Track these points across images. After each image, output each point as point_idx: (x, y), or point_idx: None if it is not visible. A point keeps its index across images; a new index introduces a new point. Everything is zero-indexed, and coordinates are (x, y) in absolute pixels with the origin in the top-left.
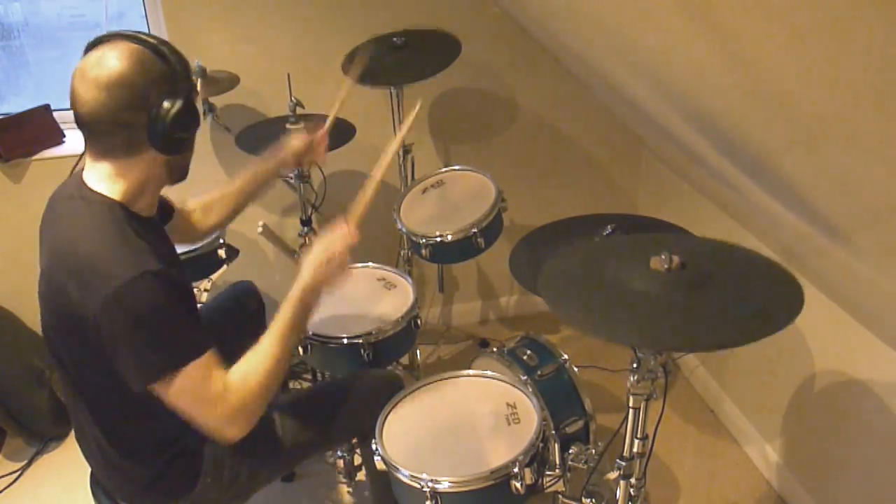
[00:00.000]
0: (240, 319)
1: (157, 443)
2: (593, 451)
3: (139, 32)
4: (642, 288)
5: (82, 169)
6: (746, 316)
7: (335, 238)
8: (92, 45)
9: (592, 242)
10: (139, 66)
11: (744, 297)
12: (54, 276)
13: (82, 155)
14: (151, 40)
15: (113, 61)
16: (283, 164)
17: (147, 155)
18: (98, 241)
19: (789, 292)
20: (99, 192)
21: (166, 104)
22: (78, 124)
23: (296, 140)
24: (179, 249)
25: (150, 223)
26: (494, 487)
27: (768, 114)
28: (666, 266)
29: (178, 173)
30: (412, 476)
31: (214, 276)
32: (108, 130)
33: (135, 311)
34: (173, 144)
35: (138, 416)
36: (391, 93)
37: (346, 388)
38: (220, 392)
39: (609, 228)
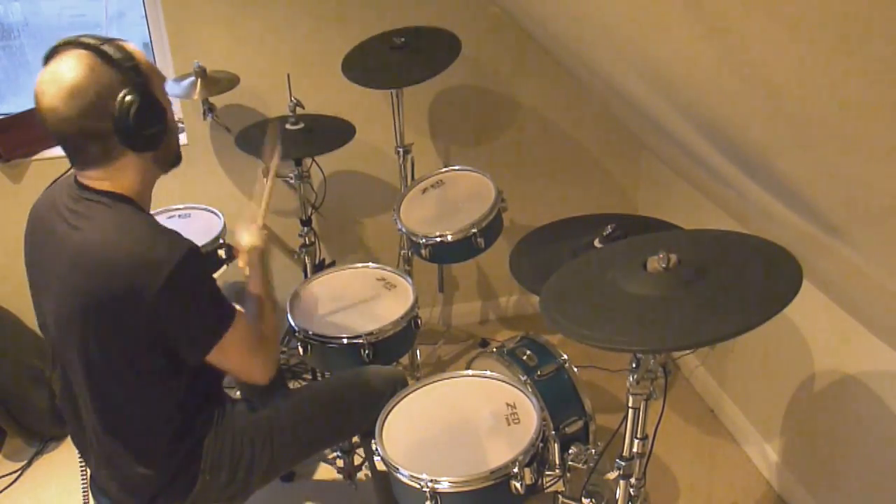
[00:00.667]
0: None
1: (162, 443)
2: (593, 451)
3: (84, 36)
4: (643, 292)
5: (70, 178)
6: (750, 300)
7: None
8: (47, 57)
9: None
10: (88, 72)
11: (744, 282)
12: (89, 280)
13: (70, 168)
14: (94, 42)
15: (64, 73)
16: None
17: (128, 157)
18: (137, 233)
19: (787, 268)
20: (105, 190)
21: (125, 105)
22: (55, 139)
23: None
24: None
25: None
26: (494, 487)
27: (767, 113)
28: (664, 265)
29: (169, 161)
30: (412, 476)
31: (215, 276)
32: (80, 143)
33: (191, 286)
34: (148, 141)
35: (148, 416)
36: (391, 93)
37: (348, 386)
38: (260, 337)
39: (609, 228)
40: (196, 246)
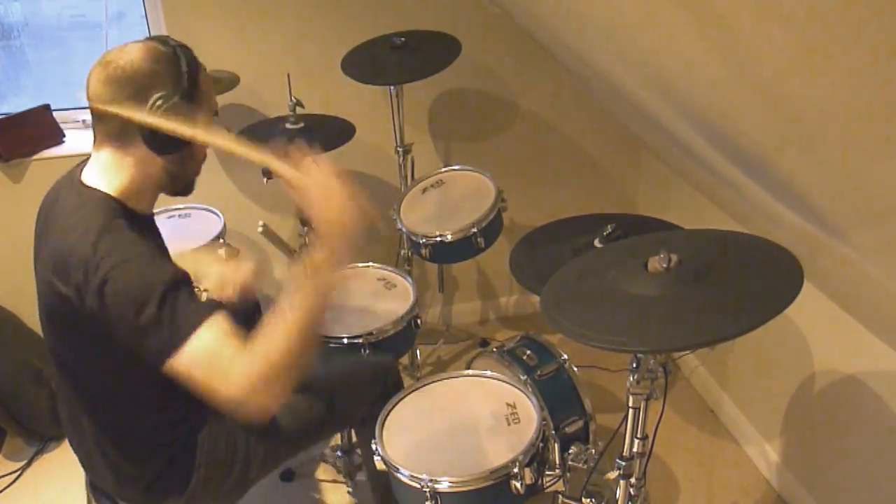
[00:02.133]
0: (235, 320)
1: (156, 439)
2: (593, 450)
3: (170, 38)
4: (643, 292)
5: (76, 171)
6: (750, 300)
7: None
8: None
9: (587, 254)
10: (150, 58)
11: (744, 282)
12: (51, 274)
13: (86, 160)
14: (174, 42)
15: (130, 51)
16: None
17: (140, 151)
18: (89, 231)
19: (788, 268)
20: (94, 187)
21: (161, 98)
22: (89, 101)
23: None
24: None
25: (146, 220)
26: (494, 487)
27: (767, 113)
28: (664, 265)
29: (178, 184)
30: (412, 476)
31: None
32: (104, 113)
33: (131, 289)
34: (161, 141)
35: (138, 413)
36: (391, 92)
37: (339, 377)
38: (238, 358)
39: (609, 228)
40: (149, 254)
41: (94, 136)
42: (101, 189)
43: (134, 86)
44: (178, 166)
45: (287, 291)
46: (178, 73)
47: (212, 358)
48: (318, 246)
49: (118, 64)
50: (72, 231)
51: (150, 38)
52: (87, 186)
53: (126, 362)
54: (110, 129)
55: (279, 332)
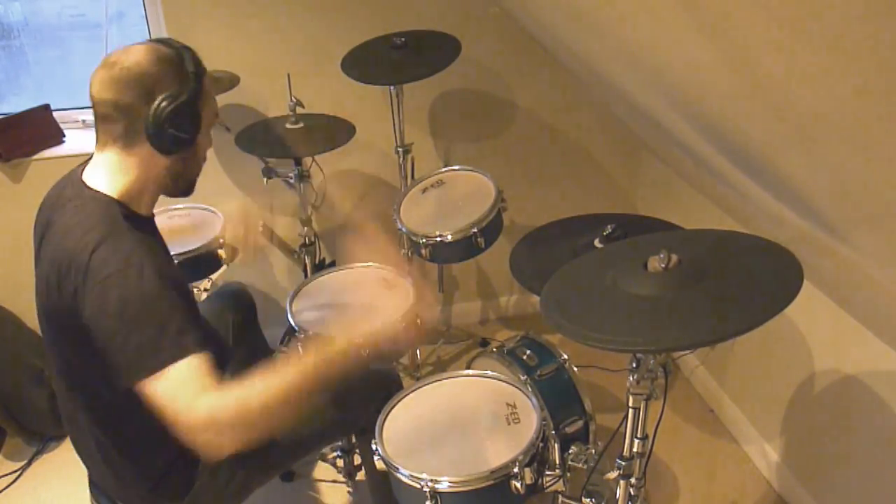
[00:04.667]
0: (230, 320)
1: (158, 442)
2: (593, 450)
3: (172, 39)
4: (643, 292)
5: (78, 171)
6: (750, 300)
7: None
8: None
9: (587, 254)
10: (156, 59)
11: (744, 282)
12: (50, 276)
13: (88, 160)
14: (178, 44)
15: (135, 52)
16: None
17: (144, 151)
18: (88, 235)
19: (787, 268)
20: (96, 189)
21: (167, 99)
22: (93, 104)
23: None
24: (180, 249)
25: (148, 222)
26: (494, 487)
27: (767, 113)
28: (664, 265)
29: (181, 184)
30: (412, 476)
31: (214, 276)
32: (109, 114)
33: (123, 302)
34: (166, 141)
35: (139, 415)
36: (391, 92)
37: (343, 384)
38: (207, 395)
39: (609, 228)
40: (151, 263)
41: (98, 138)
42: (104, 191)
43: (140, 86)
44: (181, 166)
45: (289, 354)
46: (183, 74)
47: (183, 388)
48: (345, 338)
49: (124, 65)
50: (72, 234)
51: (154, 40)
52: (90, 188)
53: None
54: (116, 130)
55: (266, 384)
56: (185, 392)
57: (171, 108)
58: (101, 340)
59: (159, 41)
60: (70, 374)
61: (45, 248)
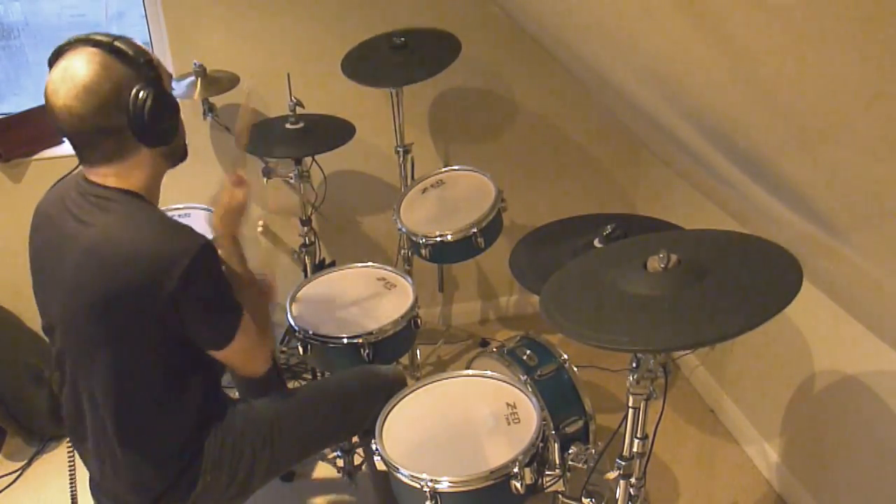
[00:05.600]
0: None
1: (171, 443)
2: (593, 450)
3: (94, 34)
4: (643, 292)
5: (78, 176)
6: (750, 300)
7: (223, 193)
8: (54, 57)
9: (587, 254)
10: (102, 70)
11: (744, 282)
12: (101, 280)
13: (80, 174)
14: (106, 40)
15: (77, 70)
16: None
17: (141, 153)
18: (152, 228)
19: (787, 268)
20: (115, 187)
21: (140, 100)
22: (66, 137)
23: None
24: None
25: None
26: (494, 487)
27: (767, 113)
28: (664, 265)
29: (177, 156)
30: (412, 476)
31: None
32: (94, 140)
33: (208, 280)
34: (161, 136)
35: (158, 419)
36: (391, 92)
37: (346, 385)
38: (258, 328)
39: (609, 228)
40: (210, 241)
41: (87, 161)
42: (123, 188)
43: (110, 103)
44: (175, 143)
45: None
46: (136, 68)
47: (254, 336)
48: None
49: (75, 83)
50: (135, 230)
51: (78, 45)
52: (107, 187)
53: (177, 363)
54: (106, 150)
55: (255, 298)
56: (252, 339)
57: (151, 106)
58: (191, 316)
59: (84, 43)
60: (112, 379)
61: (89, 251)
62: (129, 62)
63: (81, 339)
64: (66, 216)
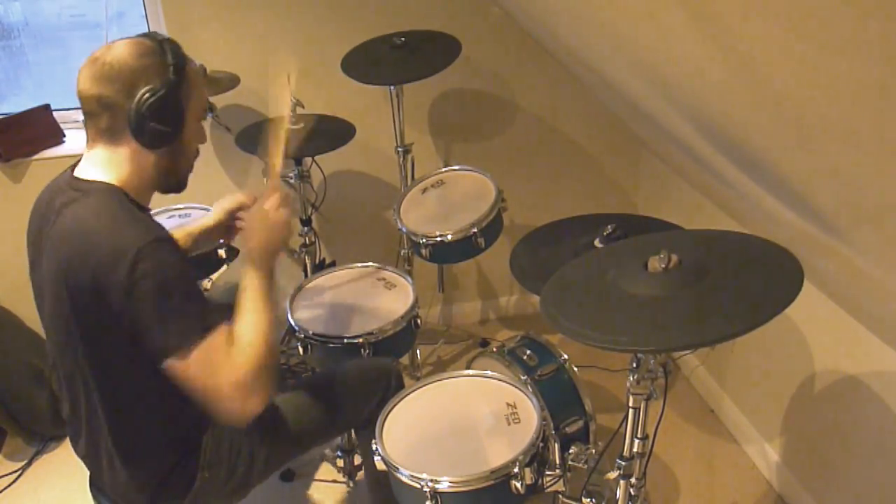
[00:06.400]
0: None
1: (165, 441)
2: (593, 450)
3: (158, 33)
4: (643, 292)
5: (68, 171)
6: (750, 300)
7: (265, 203)
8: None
9: (587, 254)
10: (138, 53)
11: (744, 282)
12: (68, 269)
13: (75, 163)
14: (160, 37)
15: (118, 47)
16: (210, 229)
17: (130, 145)
18: (106, 219)
19: (788, 268)
20: (95, 179)
21: (147, 93)
22: (78, 100)
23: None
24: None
25: (148, 215)
26: (494, 487)
27: (767, 112)
28: (664, 265)
29: (170, 180)
30: (412, 476)
31: (214, 276)
32: (94, 110)
33: (163, 273)
34: (148, 134)
35: (151, 411)
36: (391, 92)
37: (341, 379)
38: (238, 362)
39: (609, 228)
40: (167, 236)
41: (87, 135)
42: (103, 180)
43: (122, 81)
44: (169, 160)
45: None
46: (164, 67)
47: (220, 361)
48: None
49: (105, 60)
50: (90, 222)
51: (140, 35)
52: (88, 181)
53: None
54: (101, 125)
55: (251, 328)
56: (224, 363)
57: (153, 102)
58: (138, 317)
59: (145, 35)
60: (93, 372)
61: (57, 245)
62: (164, 60)
63: (61, 331)
64: (52, 210)
